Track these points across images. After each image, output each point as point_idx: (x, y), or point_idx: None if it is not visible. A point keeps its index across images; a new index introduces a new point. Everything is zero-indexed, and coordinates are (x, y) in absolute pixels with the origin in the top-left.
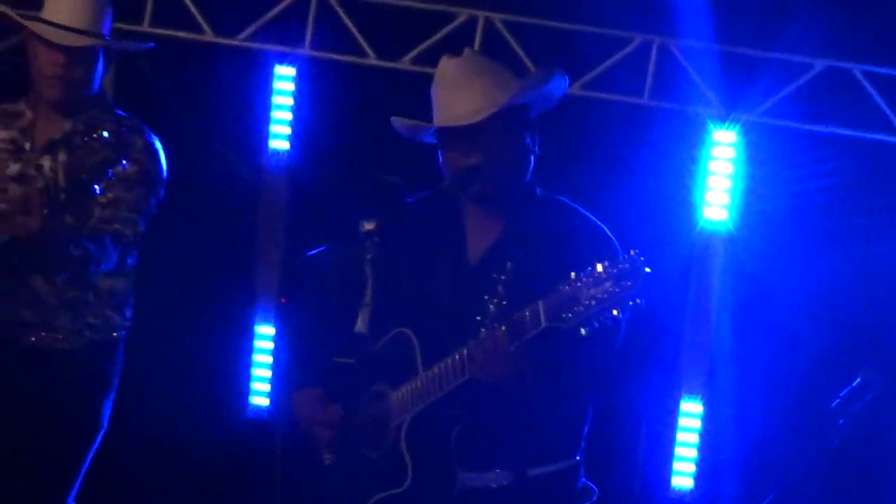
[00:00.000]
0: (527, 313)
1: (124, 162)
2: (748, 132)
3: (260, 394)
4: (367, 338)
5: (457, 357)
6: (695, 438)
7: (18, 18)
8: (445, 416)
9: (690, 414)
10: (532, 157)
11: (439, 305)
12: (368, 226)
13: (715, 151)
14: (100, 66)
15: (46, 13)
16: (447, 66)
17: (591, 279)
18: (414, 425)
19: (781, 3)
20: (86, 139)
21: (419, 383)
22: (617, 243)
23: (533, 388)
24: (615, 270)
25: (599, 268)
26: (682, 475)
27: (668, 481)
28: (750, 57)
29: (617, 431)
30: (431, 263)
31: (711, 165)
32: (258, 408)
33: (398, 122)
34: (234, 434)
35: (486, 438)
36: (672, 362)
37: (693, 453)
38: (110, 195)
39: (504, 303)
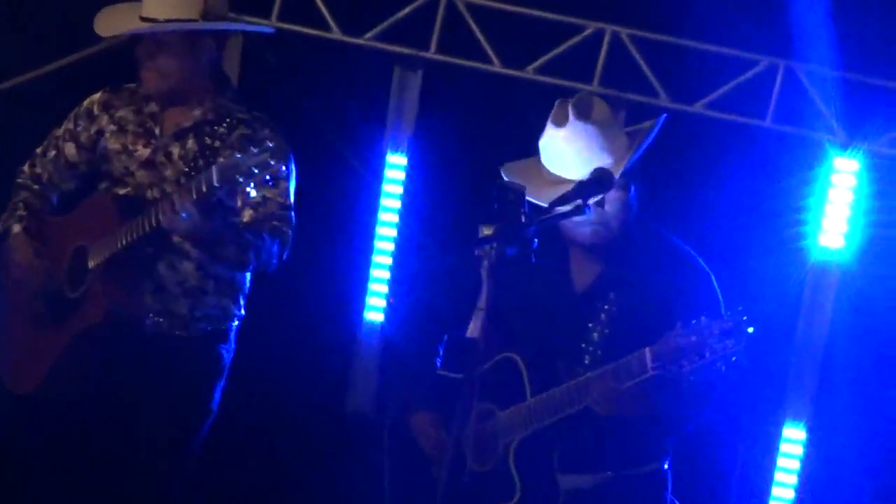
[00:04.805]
0: (633, 359)
1: (282, 166)
2: (870, 161)
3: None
4: (480, 343)
5: (569, 389)
6: (796, 465)
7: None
8: (549, 437)
9: (793, 440)
10: (635, 205)
11: (546, 331)
12: (487, 231)
13: (835, 179)
14: (200, 54)
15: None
16: (556, 138)
17: (694, 334)
18: (522, 445)
19: None
20: (227, 134)
21: (529, 409)
22: (717, 288)
23: (639, 421)
24: (719, 328)
25: (704, 321)
26: (782, 501)
27: None
28: (876, 85)
29: (715, 453)
30: (537, 289)
31: (831, 193)
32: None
33: (507, 171)
34: (336, 426)
35: (584, 451)
36: (777, 386)
37: (793, 479)
38: (261, 195)
39: (607, 332)
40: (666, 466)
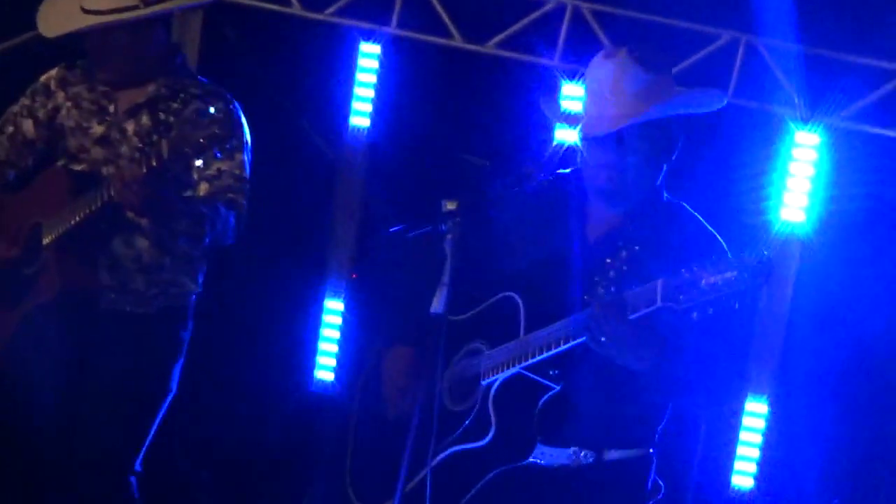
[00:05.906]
0: (644, 289)
1: (234, 139)
2: (830, 135)
3: (325, 368)
4: (443, 318)
5: (566, 323)
6: (758, 439)
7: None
8: (537, 385)
9: (755, 413)
10: (666, 165)
11: (551, 277)
12: (450, 205)
13: (796, 153)
14: (147, 35)
15: None
16: (600, 66)
17: (713, 266)
18: (505, 387)
19: (871, 7)
20: (181, 109)
21: (518, 344)
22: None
23: (636, 361)
24: (740, 262)
25: (724, 260)
26: (743, 475)
27: (728, 480)
28: (837, 60)
29: (677, 426)
30: (549, 236)
31: (791, 167)
32: (323, 382)
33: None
34: (298, 406)
35: (570, 414)
36: (739, 361)
37: (755, 453)
38: (216, 167)
39: (612, 289)
40: (652, 451)
